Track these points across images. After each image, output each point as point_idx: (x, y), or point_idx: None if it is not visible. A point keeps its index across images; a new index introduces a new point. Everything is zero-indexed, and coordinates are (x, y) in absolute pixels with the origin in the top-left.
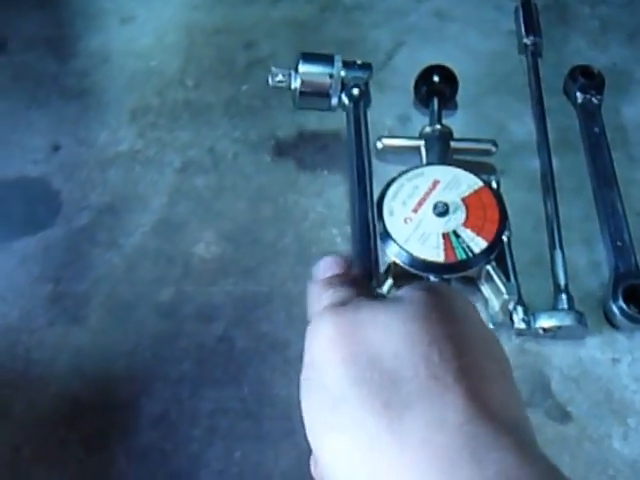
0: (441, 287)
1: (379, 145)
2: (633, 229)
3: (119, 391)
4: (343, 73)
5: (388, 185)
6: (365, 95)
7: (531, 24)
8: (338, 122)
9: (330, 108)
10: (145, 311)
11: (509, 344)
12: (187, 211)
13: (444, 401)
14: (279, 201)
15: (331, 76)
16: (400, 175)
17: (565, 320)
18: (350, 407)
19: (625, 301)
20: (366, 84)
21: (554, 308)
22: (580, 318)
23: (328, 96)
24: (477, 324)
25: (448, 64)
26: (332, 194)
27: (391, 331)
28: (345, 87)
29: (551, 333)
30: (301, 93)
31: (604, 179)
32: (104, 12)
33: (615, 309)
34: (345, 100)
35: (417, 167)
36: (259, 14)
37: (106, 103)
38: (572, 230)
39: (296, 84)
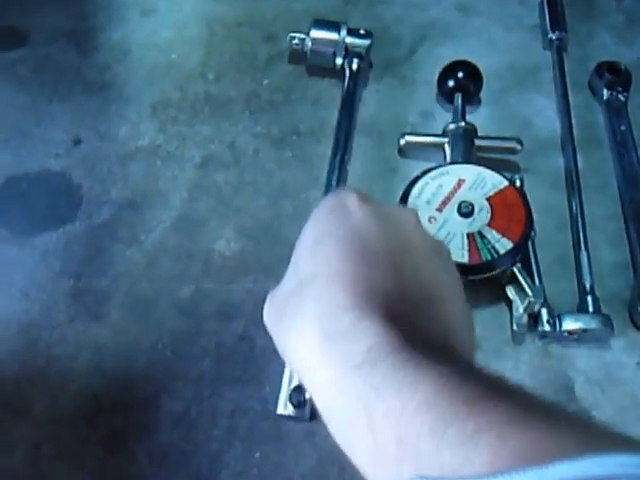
0: (346, 192)
1: (402, 142)
2: None
3: (139, 389)
4: (347, 39)
5: (412, 183)
6: (365, 59)
7: (556, 19)
8: (361, 117)
9: (335, 67)
10: (165, 308)
11: (533, 346)
12: (207, 207)
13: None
14: (300, 197)
15: (337, 40)
16: (424, 173)
17: (591, 324)
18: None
19: None
20: (367, 50)
21: (579, 310)
22: (606, 322)
23: (334, 56)
24: (361, 221)
25: (471, 59)
26: None
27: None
28: (348, 50)
29: (576, 336)
30: (311, 51)
31: (630, 177)
32: (125, 4)
33: None
34: (346, 61)
35: (442, 165)
36: (280, 7)
37: (127, 97)
38: (597, 230)
39: (308, 45)
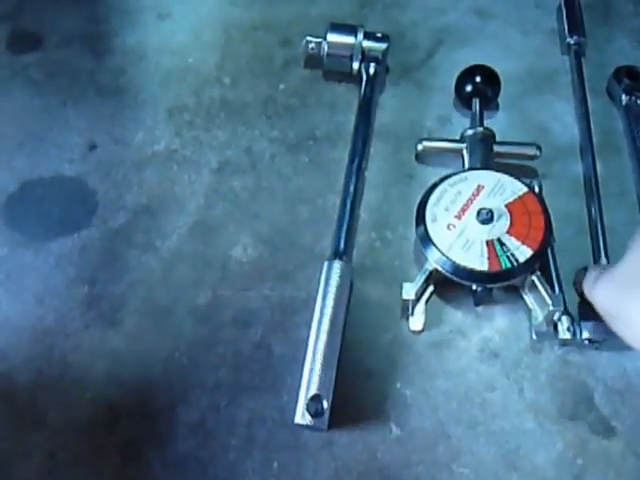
0: None
1: (419, 147)
2: None
3: (155, 397)
4: (364, 42)
5: (430, 190)
6: (382, 63)
7: (574, 23)
8: (377, 122)
9: (352, 71)
10: (182, 316)
11: (552, 355)
12: (224, 213)
13: None
14: (317, 203)
15: (354, 44)
16: (443, 180)
17: (611, 332)
18: None
19: None
20: (384, 54)
21: (599, 318)
22: None
23: (351, 59)
24: None
25: (489, 64)
26: (371, 197)
27: None
28: (365, 54)
29: (596, 344)
30: (328, 55)
31: None
32: (140, 8)
33: None
34: (363, 65)
35: (460, 172)
36: (297, 11)
37: (142, 101)
38: (616, 237)
39: (325, 49)
